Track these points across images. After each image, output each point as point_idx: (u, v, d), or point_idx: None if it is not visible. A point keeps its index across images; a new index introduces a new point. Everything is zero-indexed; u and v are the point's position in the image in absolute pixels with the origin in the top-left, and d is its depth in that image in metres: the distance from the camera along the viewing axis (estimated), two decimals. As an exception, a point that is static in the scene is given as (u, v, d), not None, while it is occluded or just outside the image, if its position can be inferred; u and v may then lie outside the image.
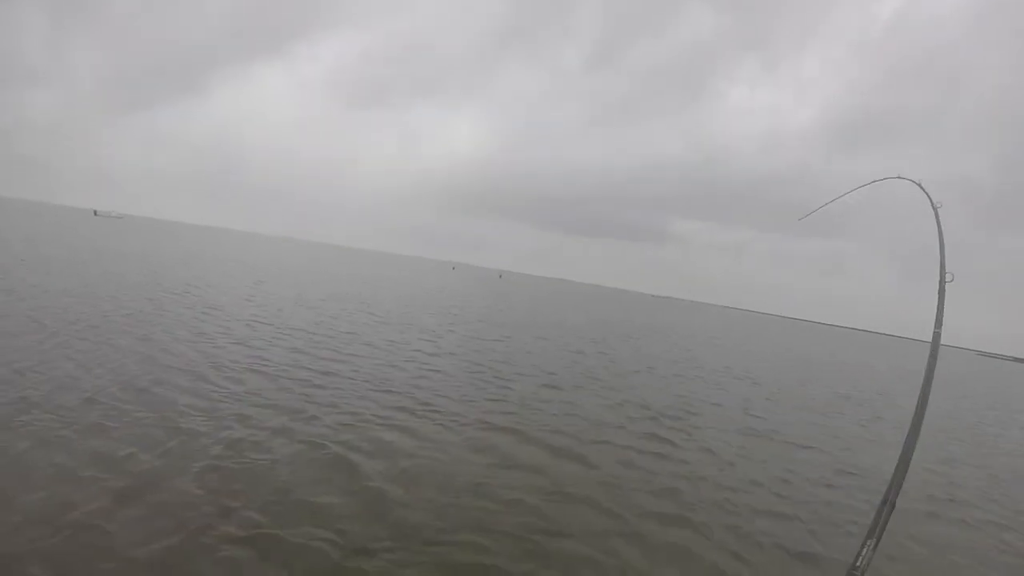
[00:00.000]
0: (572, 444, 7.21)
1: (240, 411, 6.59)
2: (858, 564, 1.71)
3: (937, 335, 2.56)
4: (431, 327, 16.84)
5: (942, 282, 2.92)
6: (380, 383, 8.92)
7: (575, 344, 18.09)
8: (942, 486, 7.90)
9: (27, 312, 10.03)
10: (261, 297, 18.04)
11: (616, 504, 5.44)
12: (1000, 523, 6.76)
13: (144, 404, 6.37)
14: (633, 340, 22.98)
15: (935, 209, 3.49)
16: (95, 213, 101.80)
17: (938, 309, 2.77)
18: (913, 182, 3.79)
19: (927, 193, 3.62)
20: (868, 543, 1.76)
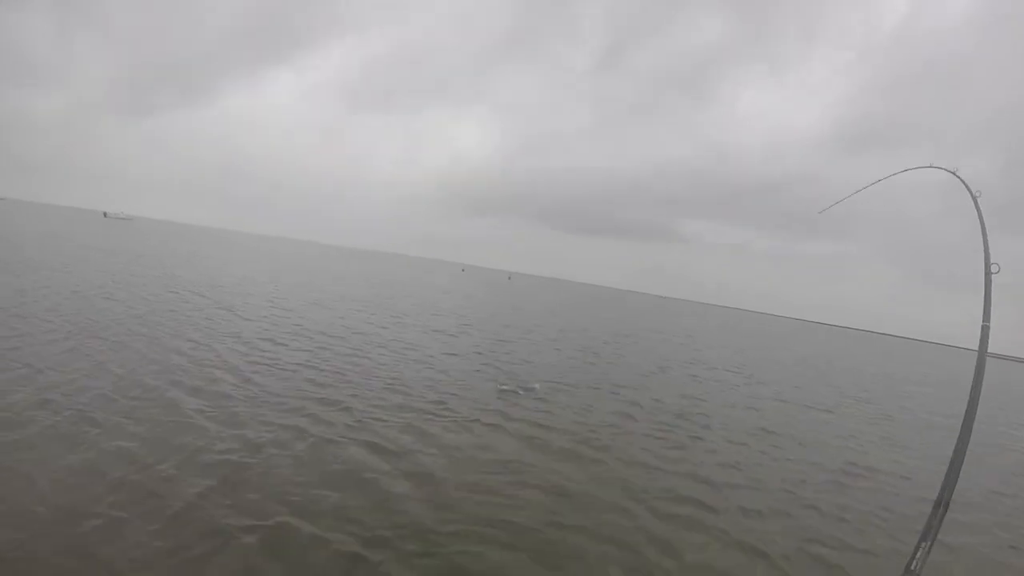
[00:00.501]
0: (588, 442, 7.52)
1: (257, 409, 7.04)
2: (913, 567, 1.68)
3: (986, 329, 2.44)
4: (445, 328, 17.23)
5: (987, 274, 2.71)
6: (397, 383, 9.29)
7: (588, 345, 18.39)
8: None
9: (43, 312, 10.55)
10: (276, 298, 18.56)
11: (632, 499, 5.77)
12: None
13: (162, 402, 6.82)
14: (643, 341, 23.20)
15: (974, 198, 3.24)
16: (105, 215, 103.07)
17: (985, 301, 2.61)
18: (948, 171, 3.51)
19: (963, 181, 3.36)
20: (923, 545, 1.72)
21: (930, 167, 3.74)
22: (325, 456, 5.71)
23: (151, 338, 9.69)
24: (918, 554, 1.72)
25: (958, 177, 3.42)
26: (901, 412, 14.30)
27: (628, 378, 12.97)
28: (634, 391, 11.32)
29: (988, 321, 2.35)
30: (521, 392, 9.54)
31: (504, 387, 9.66)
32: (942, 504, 1.80)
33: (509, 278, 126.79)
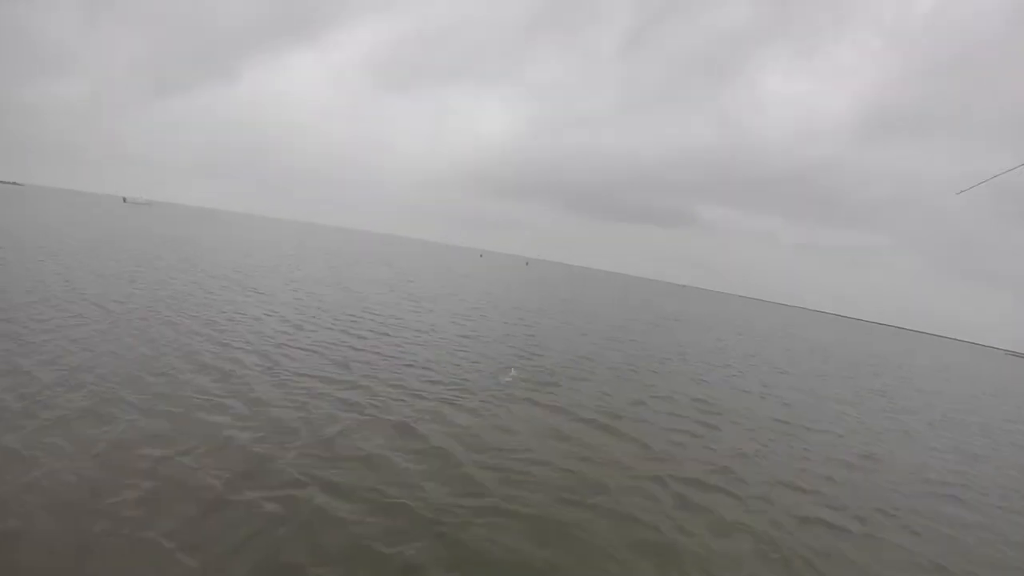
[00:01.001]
0: (608, 421, 7.66)
1: (282, 390, 7.17)
2: None
3: None
4: (468, 313, 17.28)
5: None
6: (418, 364, 9.40)
7: (608, 332, 18.26)
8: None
9: (93, 300, 10.74)
10: (298, 281, 18.74)
11: (650, 471, 5.87)
12: None
13: (190, 382, 6.97)
14: (663, 330, 23.00)
15: None
16: (124, 200, 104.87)
17: None
18: None
19: None
20: None
21: None
22: (352, 434, 5.79)
23: (176, 321, 9.86)
24: None
25: None
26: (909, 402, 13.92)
27: (650, 363, 12.89)
28: (656, 377, 11.24)
29: None
30: (508, 385, 9.06)
31: (508, 378, 9.36)
32: None
33: (527, 264, 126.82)
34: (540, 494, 5.02)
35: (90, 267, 14.10)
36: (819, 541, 4.99)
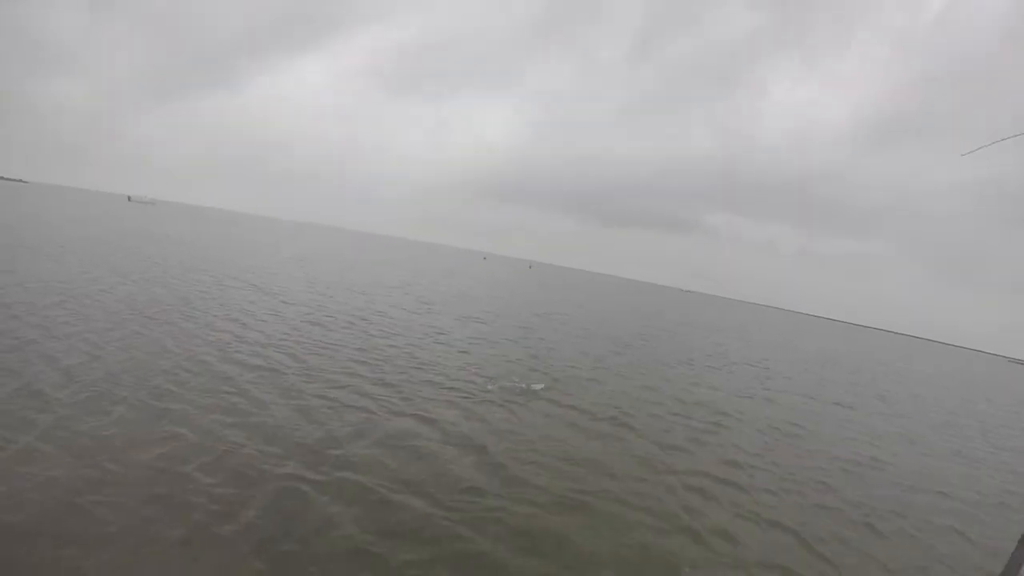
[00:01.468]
0: (617, 419, 7.95)
1: (309, 385, 7.45)
2: None
3: None
4: (478, 316, 17.54)
5: None
6: (428, 365, 9.64)
7: (616, 336, 18.47)
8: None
9: (118, 299, 11.01)
10: (310, 282, 19.06)
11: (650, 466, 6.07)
12: None
13: (223, 380, 7.24)
14: (668, 334, 23.18)
15: None
16: (129, 199, 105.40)
17: None
18: None
19: None
20: None
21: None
22: (375, 427, 6.10)
23: (200, 320, 10.14)
24: None
25: None
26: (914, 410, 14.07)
27: (656, 367, 13.10)
28: (662, 381, 11.44)
29: None
30: (522, 387, 9.08)
31: (506, 383, 9.20)
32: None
33: (530, 267, 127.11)
34: (555, 488, 5.27)
35: (108, 264, 14.41)
36: (829, 540, 5.20)
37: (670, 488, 5.77)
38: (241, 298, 13.12)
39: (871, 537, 5.50)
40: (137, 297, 11.02)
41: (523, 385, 9.04)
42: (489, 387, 8.61)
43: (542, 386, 9.23)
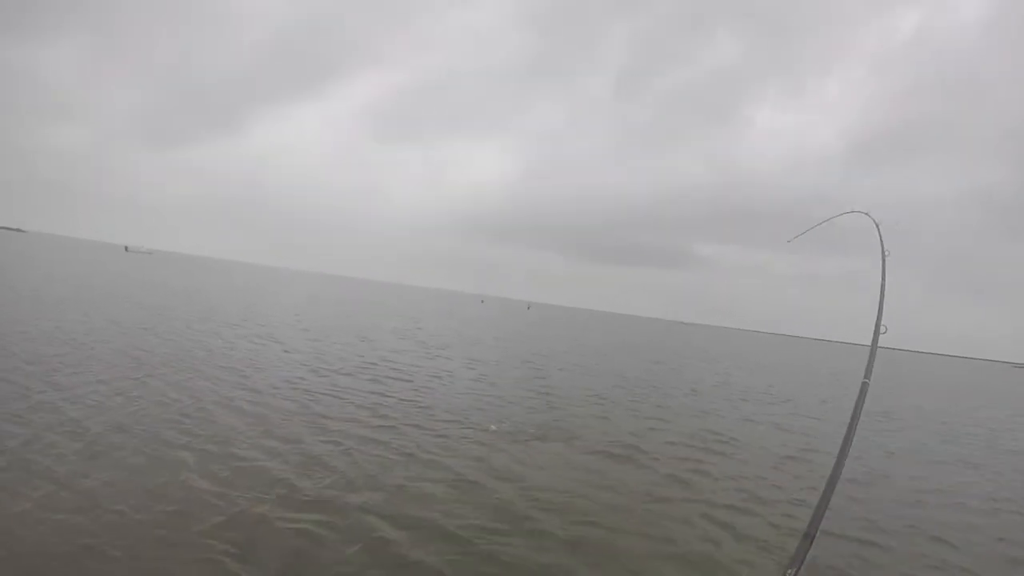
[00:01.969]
0: (626, 453, 7.94)
1: (323, 434, 7.42)
2: None
3: (865, 385, 2.47)
4: (482, 358, 17.61)
5: (876, 334, 2.82)
6: (450, 410, 9.60)
7: (617, 371, 18.42)
8: None
9: (124, 348, 11.03)
10: (311, 330, 19.21)
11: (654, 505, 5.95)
12: None
13: (247, 422, 7.20)
14: (668, 366, 23.14)
15: (883, 255, 3.47)
16: (126, 249, 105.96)
17: (870, 358, 2.69)
18: (865, 215, 3.91)
19: (879, 230, 3.67)
20: (789, 572, 1.71)
21: (853, 212, 4.22)
22: (388, 472, 6.05)
23: (201, 369, 10.18)
24: None
25: (875, 224, 3.76)
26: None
27: (662, 398, 13.07)
28: (672, 412, 11.40)
29: (869, 378, 2.43)
30: (564, 411, 9.25)
31: (547, 409, 9.48)
32: (808, 536, 1.78)
33: (528, 308, 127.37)
34: (567, 519, 5.27)
35: (108, 316, 14.53)
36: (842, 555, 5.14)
37: (686, 519, 5.69)
38: (243, 347, 13.18)
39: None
40: (138, 347, 11.05)
41: (529, 428, 9.03)
42: (493, 427, 8.56)
43: (546, 423, 9.23)
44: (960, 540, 5.97)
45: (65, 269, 32.48)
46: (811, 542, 1.77)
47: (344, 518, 4.75)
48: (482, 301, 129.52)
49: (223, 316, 18.83)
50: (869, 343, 2.77)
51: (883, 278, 3.25)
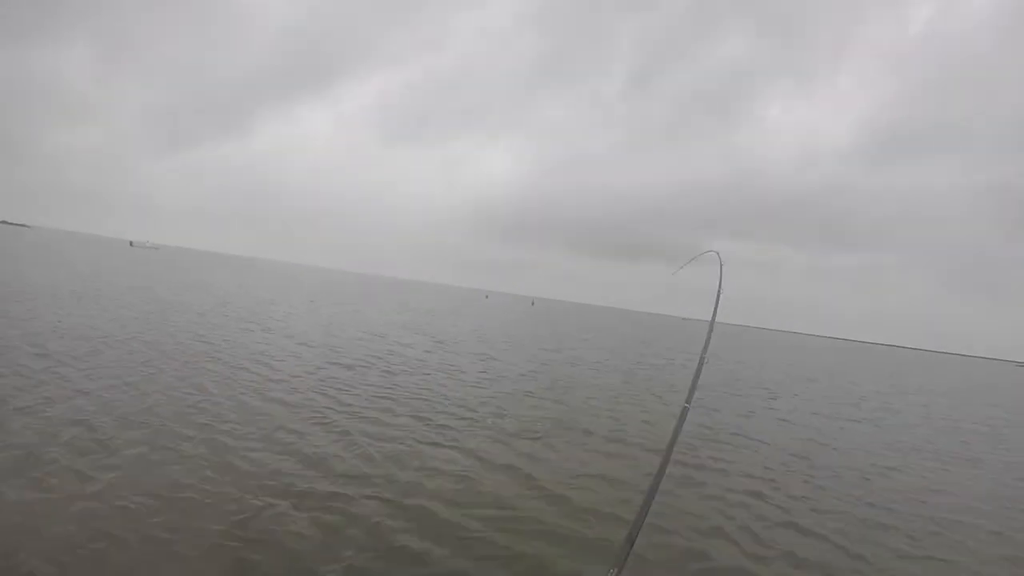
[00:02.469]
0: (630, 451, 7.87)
1: (353, 422, 7.69)
2: None
3: (686, 409, 2.54)
4: (490, 353, 17.87)
5: (701, 363, 3.00)
6: (459, 403, 9.85)
7: (623, 367, 18.58)
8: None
9: (139, 340, 11.38)
10: (325, 325, 19.48)
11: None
12: None
13: (283, 410, 7.48)
14: (673, 363, 23.25)
15: (719, 290, 3.95)
16: (131, 244, 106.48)
17: (692, 386, 2.79)
18: (716, 254, 4.48)
19: (721, 269, 4.18)
20: (611, 572, 1.77)
21: (708, 251, 4.72)
22: (409, 458, 6.29)
23: (228, 363, 10.43)
24: None
25: (720, 266, 4.24)
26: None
27: (667, 395, 13.17)
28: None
29: (690, 403, 2.52)
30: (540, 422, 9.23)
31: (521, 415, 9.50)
32: (629, 539, 1.83)
33: (532, 303, 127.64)
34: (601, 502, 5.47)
35: (127, 310, 14.89)
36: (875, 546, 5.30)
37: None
38: (260, 340, 13.50)
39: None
40: (149, 341, 11.30)
41: (539, 423, 9.20)
42: (490, 421, 8.78)
43: (556, 417, 9.49)
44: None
45: (75, 264, 32.84)
46: (632, 544, 1.83)
47: (359, 509, 4.96)
48: (487, 297, 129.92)
49: (234, 311, 19.19)
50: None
51: (715, 307, 3.81)
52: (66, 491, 4.57)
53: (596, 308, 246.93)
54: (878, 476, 8.45)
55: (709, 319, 3.76)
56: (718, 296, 3.93)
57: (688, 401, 2.60)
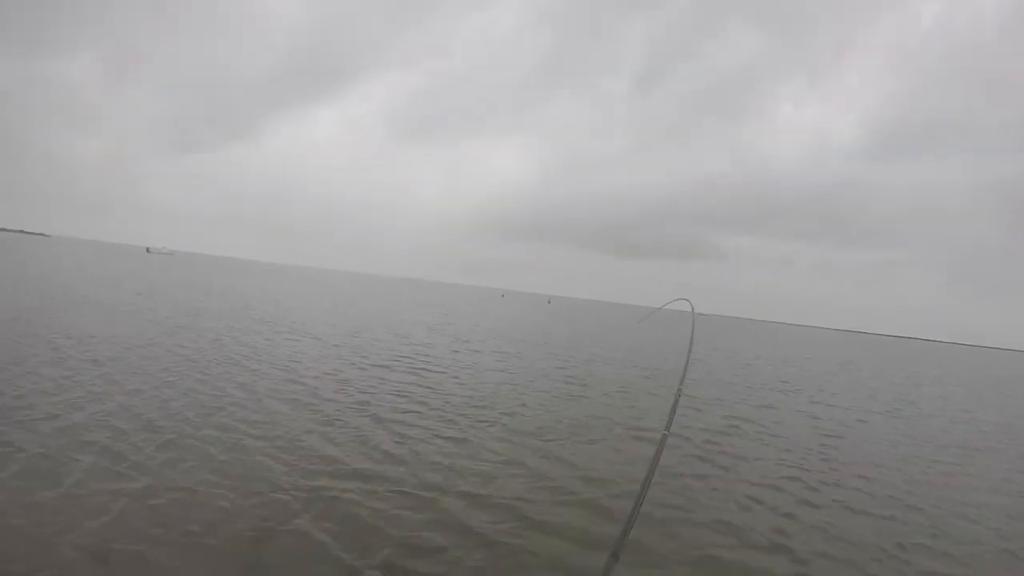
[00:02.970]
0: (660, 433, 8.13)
1: (381, 423, 7.82)
2: None
3: (665, 437, 2.55)
4: (514, 351, 18.03)
5: (679, 394, 3.07)
6: (483, 399, 10.01)
7: (643, 363, 18.55)
8: None
9: (167, 347, 11.64)
10: (344, 326, 19.71)
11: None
12: None
13: (308, 412, 7.67)
14: (695, 360, 23.20)
15: (692, 329, 4.40)
16: (147, 250, 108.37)
17: (671, 414, 2.80)
18: (687, 300, 5.27)
19: (693, 313, 4.83)
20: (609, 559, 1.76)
21: (679, 299, 5.51)
22: (427, 453, 6.36)
23: (249, 365, 10.65)
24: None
25: (691, 308, 5.00)
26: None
27: (689, 390, 13.22)
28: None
29: (668, 430, 2.56)
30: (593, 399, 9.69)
31: (578, 398, 9.90)
32: (613, 554, 1.79)
33: (549, 302, 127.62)
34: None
35: (146, 316, 15.28)
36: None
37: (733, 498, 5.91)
38: (283, 343, 13.75)
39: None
40: (183, 346, 11.62)
41: (561, 423, 9.30)
42: (524, 417, 8.97)
43: (577, 414, 9.63)
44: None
45: (93, 271, 33.55)
46: (616, 559, 1.78)
47: (384, 505, 5.09)
48: (503, 296, 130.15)
49: (255, 314, 19.60)
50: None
51: (691, 343, 4.11)
52: (106, 489, 4.76)
53: (608, 304, 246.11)
54: (897, 467, 8.49)
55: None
56: (692, 335, 4.34)
57: (667, 429, 2.57)
